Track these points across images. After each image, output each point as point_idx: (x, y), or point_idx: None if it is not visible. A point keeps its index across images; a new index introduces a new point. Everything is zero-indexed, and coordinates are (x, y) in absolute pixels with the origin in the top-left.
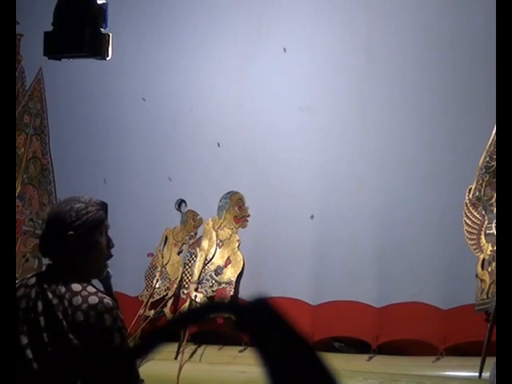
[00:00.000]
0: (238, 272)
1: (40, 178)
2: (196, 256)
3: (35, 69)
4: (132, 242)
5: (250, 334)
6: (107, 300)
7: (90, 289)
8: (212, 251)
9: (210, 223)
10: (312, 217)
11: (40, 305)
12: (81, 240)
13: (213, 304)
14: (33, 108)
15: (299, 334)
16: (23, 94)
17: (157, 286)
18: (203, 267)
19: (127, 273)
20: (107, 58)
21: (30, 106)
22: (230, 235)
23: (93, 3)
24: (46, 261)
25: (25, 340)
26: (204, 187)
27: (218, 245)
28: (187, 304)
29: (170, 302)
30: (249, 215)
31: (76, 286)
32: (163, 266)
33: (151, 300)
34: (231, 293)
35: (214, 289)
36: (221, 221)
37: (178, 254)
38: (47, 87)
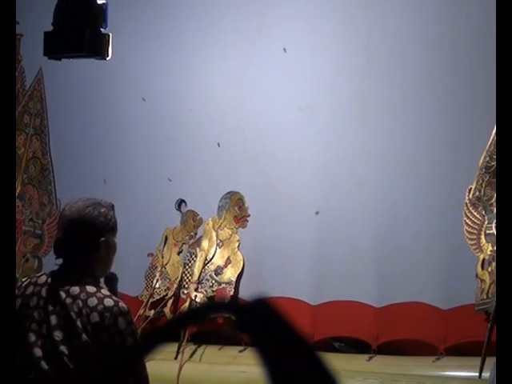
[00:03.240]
0: (238, 272)
1: (40, 178)
2: (196, 256)
3: (35, 69)
4: (132, 242)
5: (250, 334)
6: (122, 304)
7: (105, 291)
8: (212, 251)
9: (210, 223)
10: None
11: (52, 303)
12: (108, 244)
13: (213, 304)
14: (33, 108)
15: (299, 333)
16: (23, 93)
17: (157, 285)
18: (203, 267)
19: (127, 273)
20: (107, 58)
21: (30, 106)
22: (230, 235)
23: (93, 3)
24: (45, 261)
25: (33, 337)
26: (204, 187)
27: (218, 245)
28: (187, 304)
29: (170, 301)
30: (249, 215)
31: (90, 288)
32: (163, 266)
33: (151, 300)
34: (231, 293)
35: (214, 289)
36: (221, 221)
37: (178, 253)
38: (47, 87)
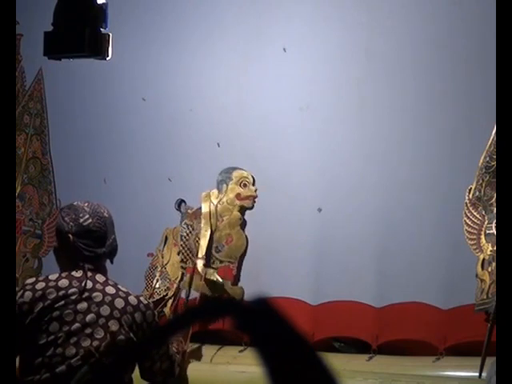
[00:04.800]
0: (242, 250)
1: (40, 178)
2: (193, 228)
3: (35, 69)
4: (132, 242)
5: (250, 334)
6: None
7: (130, 291)
8: (214, 223)
9: (211, 195)
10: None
11: (85, 304)
12: None
13: (213, 305)
14: (33, 108)
15: (299, 333)
16: (23, 93)
17: (157, 286)
18: (209, 243)
19: (127, 273)
20: (107, 58)
21: (30, 106)
22: (232, 212)
23: (93, 3)
24: (45, 261)
25: (62, 337)
26: (204, 187)
27: (218, 220)
28: (187, 278)
29: (170, 301)
30: (256, 196)
31: (122, 287)
32: (163, 266)
33: (151, 300)
34: (234, 272)
35: (216, 266)
36: (221, 196)
37: (178, 253)
38: (47, 87)
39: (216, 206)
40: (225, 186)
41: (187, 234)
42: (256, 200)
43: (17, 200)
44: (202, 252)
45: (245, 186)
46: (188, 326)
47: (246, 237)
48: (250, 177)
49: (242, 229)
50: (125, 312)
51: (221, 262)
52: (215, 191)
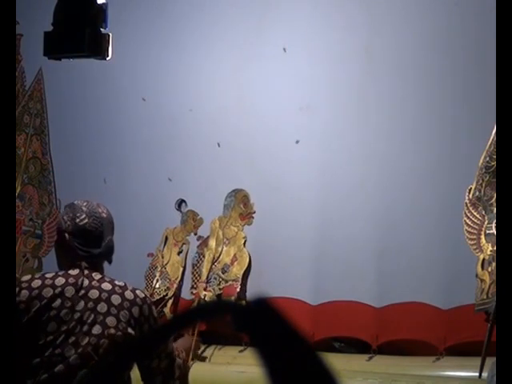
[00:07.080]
0: (244, 268)
1: (40, 178)
2: (204, 256)
3: (35, 69)
4: (132, 242)
5: (250, 334)
6: (147, 293)
7: (128, 284)
8: (219, 250)
9: (217, 222)
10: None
11: (82, 303)
12: None
13: (213, 305)
14: (33, 108)
15: (299, 333)
16: (23, 93)
17: (157, 286)
18: (211, 266)
19: (127, 273)
20: (107, 58)
21: (30, 106)
22: (236, 233)
23: (93, 3)
24: (45, 261)
25: (61, 336)
26: (204, 187)
27: (224, 243)
28: (195, 304)
29: (170, 302)
30: (254, 212)
31: (119, 282)
32: (163, 266)
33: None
34: (238, 289)
35: (221, 286)
36: (226, 219)
37: (178, 253)
38: (47, 87)
39: (223, 231)
40: (230, 209)
41: (198, 262)
42: (254, 216)
43: (17, 200)
44: (203, 277)
45: (245, 204)
46: (187, 325)
47: (249, 254)
48: (248, 195)
49: (244, 246)
50: (122, 308)
51: (226, 281)
52: (222, 216)
